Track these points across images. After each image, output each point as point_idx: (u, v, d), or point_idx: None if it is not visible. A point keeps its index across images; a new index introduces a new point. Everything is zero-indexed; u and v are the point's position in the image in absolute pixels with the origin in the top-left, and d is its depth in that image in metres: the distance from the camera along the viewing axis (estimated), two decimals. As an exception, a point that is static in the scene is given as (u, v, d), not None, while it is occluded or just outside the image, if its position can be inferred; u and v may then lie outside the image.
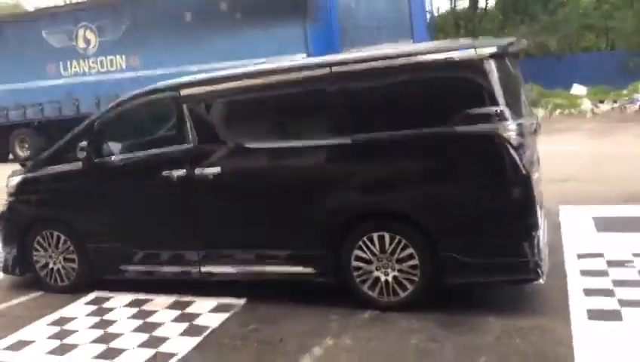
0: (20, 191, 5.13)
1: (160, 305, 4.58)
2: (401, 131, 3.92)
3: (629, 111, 17.44)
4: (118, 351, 3.85)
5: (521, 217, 3.77)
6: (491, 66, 3.76)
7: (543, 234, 4.06)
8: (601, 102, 18.50)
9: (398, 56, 3.98)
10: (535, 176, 4.01)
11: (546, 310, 3.88)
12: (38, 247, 5.05)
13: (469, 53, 3.78)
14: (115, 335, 4.10)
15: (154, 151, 4.65)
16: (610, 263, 4.54)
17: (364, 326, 3.92)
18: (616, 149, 10.09)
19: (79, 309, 4.65)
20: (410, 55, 3.97)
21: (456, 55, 3.82)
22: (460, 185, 3.85)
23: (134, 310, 4.53)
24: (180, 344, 3.88)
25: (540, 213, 3.97)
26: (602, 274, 4.35)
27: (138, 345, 3.91)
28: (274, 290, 4.47)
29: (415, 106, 3.96)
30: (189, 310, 4.43)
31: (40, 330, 4.28)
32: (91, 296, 4.90)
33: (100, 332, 4.18)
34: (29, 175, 5.11)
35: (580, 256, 4.77)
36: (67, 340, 4.09)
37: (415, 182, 3.95)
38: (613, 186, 7.17)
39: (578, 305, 3.87)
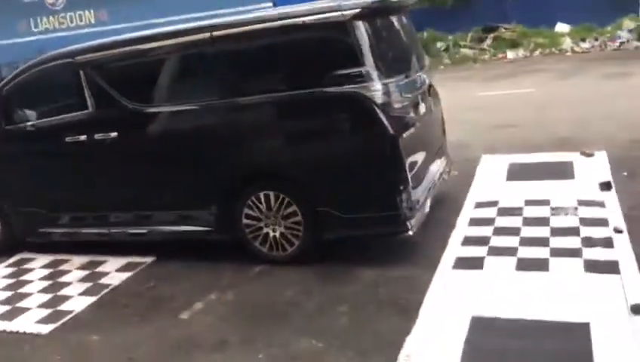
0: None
1: (75, 264, 4.84)
2: (277, 93, 4.04)
3: (609, 49, 17.20)
4: (20, 311, 4.12)
5: (389, 173, 3.93)
6: (357, 27, 3.83)
7: (424, 187, 4.24)
8: (583, 40, 18.20)
9: (269, 20, 4.05)
10: (413, 131, 4.13)
11: (420, 260, 4.08)
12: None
13: (335, 15, 3.84)
14: (23, 296, 4.38)
15: (58, 117, 4.79)
16: (501, 211, 4.71)
17: (251, 281, 4.16)
18: (570, 92, 10.08)
19: (-1, 271, 4.92)
20: (280, 19, 4.03)
21: (322, 17, 3.89)
22: (332, 144, 4.00)
23: (49, 271, 4.79)
24: (79, 302, 4.15)
25: (420, 168, 4.16)
26: (488, 222, 4.53)
27: (39, 305, 4.18)
28: (182, 249, 4.69)
29: (289, 68, 4.07)
30: (98, 269, 4.69)
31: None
32: (16, 257, 5.16)
33: (9, 293, 4.46)
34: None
35: (477, 205, 4.94)
36: (-22, 301, 4.36)
37: (292, 143, 4.10)
38: (547, 133, 7.25)
39: (450, 254, 4.06)
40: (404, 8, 4.70)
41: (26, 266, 4.95)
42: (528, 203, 4.80)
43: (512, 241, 4.13)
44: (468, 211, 4.84)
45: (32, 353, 3.57)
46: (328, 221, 4.06)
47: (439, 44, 17.94)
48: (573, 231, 4.15)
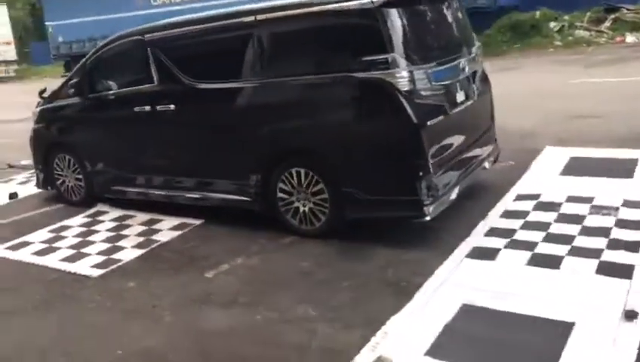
0: (40, 120, 6.15)
1: (137, 221, 5.44)
2: (309, 75, 4.26)
3: None
4: (82, 255, 4.76)
5: (409, 159, 4.03)
6: (385, 14, 3.93)
7: (452, 175, 4.30)
8: None
9: (306, 5, 4.25)
10: (443, 118, 4.17)
11: (440, 246, 4.15)
12: (57, 167, 6.08)
13: (365, 2, 3.96)
14: (89, 243, 5.03)
15: (130, 88, 5.35)
16: (539, 205, 4.62)
17: (277, 250, 4.48)
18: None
19: (77, 220, 5.64)
20: (315, 4, 4.22)
21: (353, 4, 4.02)
22: (358, 128, 4.15)
23: (115, 224, 5.43)
24: (129, 253, 4.70)
25: (449, 155, 4.25)
26: (521, 215, 4.47)
27: (97, 252, 4.79)
28: (229, 215, 5.10)
29: (322, 53, 4.27)
30: (155, 226, 5.24)
31: (40, 235, 5.32)
32: (93, 209, 5.87)
33: (79, 239, 5.13)
34: (46, 106, 6.08)
35: (517, 197, 4.86)
36: (54, 244, 5.08)
37: (321, 124, 4.30)
38: (632, 127, 6.79)
39: (470, 243, 4.10)
40: None
41: (99, 218, 5.63)
42: (570, 199, 4.65)
43: (536, 236, 4.08)
44: (505, 203, 4.79)
45: (79, 291, 4.16)
46: (352, 201, 4.25)
47: (552, 24, 16.94)
48: (604, 232, 4.01)
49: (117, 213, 5.69)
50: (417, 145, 3.99)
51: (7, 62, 28.32)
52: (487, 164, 4.97)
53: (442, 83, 4.25)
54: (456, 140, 4.46)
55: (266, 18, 4.41)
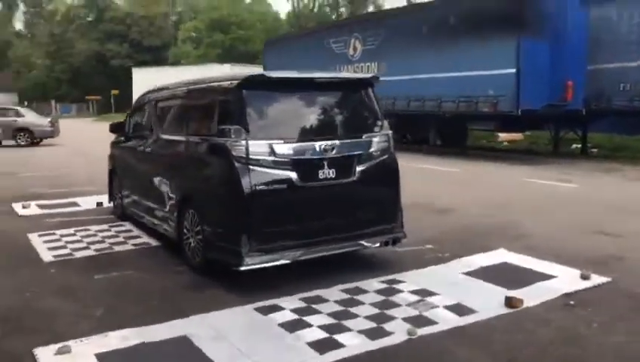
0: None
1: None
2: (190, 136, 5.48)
3: None
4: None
5: (236, 215, 4.81)
6: (240, 94, 4.84)
7: (288, 239, 4.89)
8: None
9: (195, 83, 5.43)
10: (282, 187, 4.80)
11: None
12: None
13: (228, 83, 4.95)
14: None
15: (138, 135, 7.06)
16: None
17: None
18: None
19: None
20: (203, 83, 5.37)
21: (224, 83, 5.05)
22: (210, 182, 5.13)
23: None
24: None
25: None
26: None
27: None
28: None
29: (200, 119, 5.42)
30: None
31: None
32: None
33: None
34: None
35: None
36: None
37: (194, 175, 5.40)
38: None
39: (275, 299, 4.58)
40: (316, 83, 5.28)
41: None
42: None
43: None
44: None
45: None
46: (206, 242, 5.14)
47: None
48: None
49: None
50: (242, 203, 4.72)
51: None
52: (367, 243, 5.26)
53: (292, 158, 4.86)
54: (308, 210, 4.97)
55: (186, 90, 5.70)
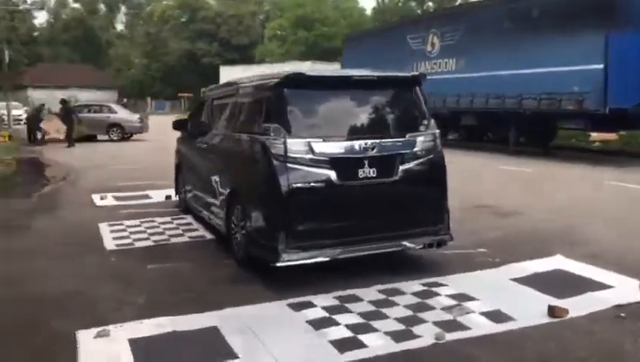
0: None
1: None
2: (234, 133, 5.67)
3: None
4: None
5: (273, 211, 4.87)
6: (280, 93, 4.91)
7: (325, 237, 4.91)
8: None
9: (244, 81, 5.58)
10: (320, 186, 4.82)
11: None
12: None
13: (268, 81, 5.04)
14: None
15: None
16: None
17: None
18: None
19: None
20: (250, 81, 5.46)
21: (265, 82, 5.13)
22: (253, 179, 5.21)
23: (172, 225, 7.37)
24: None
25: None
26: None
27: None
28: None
29: (246, 116, 5.57)
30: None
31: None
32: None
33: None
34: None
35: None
36: (127, 228, 7.27)
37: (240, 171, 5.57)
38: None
39: (309, 296, 4.63)
40: (356, 82, 5.25)
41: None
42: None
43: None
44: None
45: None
46: (248, 238, 5.27)
47: None
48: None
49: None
50: (280, 200, 4.79)
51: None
52: (409, 243, 5.18)
53: (331, 156, 4.86)
54: (347, 209, 4.97)
55: (239, 87, 5.89)
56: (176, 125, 8.15)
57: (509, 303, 4.49)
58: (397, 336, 3.92)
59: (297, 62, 36.53)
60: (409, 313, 4.33)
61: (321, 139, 4.87)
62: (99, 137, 23.08)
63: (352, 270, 5.15)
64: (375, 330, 4.01)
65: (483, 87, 16.29)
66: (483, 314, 4.29)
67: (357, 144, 4.96)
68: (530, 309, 4.37)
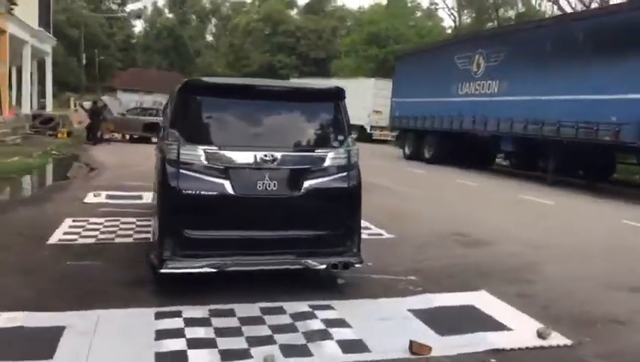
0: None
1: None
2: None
3: None
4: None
5: (164, 216, 4.85)
6: (183, 98, 4.92)
7: (215, 248, 4.83)
8: None
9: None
10: (212, 193, 4.74)
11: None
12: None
13: (179, 86, 5.07)
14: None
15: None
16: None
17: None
18: None
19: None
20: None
21: (174, 88, 5.15)
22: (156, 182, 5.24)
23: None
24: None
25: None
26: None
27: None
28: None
29: (164, 122, 5.53)
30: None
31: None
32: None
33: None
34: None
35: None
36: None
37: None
38: None
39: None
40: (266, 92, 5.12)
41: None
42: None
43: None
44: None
45: None
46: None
47: None
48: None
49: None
50: (169, 206, 4.77)
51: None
52: (312, 262, 4.96)
53: (227, 165, 4.77)
54: (243, 221, 4.84)
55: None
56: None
57: (380, 334, 4.23)
58: (228, 355, 3.77)
59: (362, 78, 36.32)
60: (267, 333, 4.16)
61: (217, 148, 4.80)
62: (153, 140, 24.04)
63: (259, 284, 5.07)
64: (213, 347, 3.88)
65: (523, 111, 15.56)
66: (340, 342, 4.04)
67: (256, 155, 4.84)
68: (396, 343, 4.07)
